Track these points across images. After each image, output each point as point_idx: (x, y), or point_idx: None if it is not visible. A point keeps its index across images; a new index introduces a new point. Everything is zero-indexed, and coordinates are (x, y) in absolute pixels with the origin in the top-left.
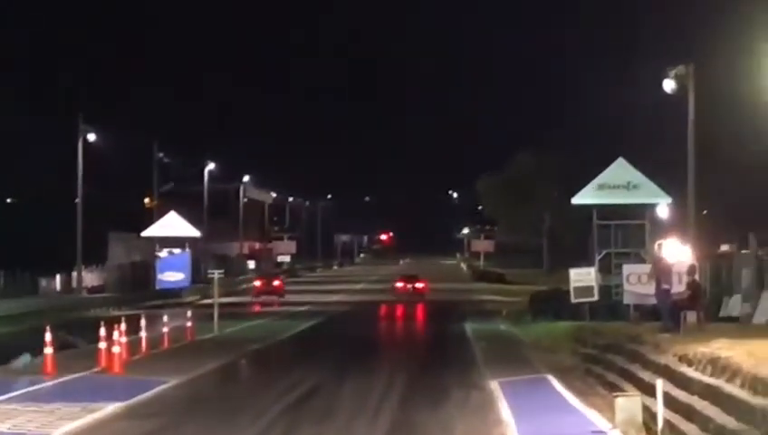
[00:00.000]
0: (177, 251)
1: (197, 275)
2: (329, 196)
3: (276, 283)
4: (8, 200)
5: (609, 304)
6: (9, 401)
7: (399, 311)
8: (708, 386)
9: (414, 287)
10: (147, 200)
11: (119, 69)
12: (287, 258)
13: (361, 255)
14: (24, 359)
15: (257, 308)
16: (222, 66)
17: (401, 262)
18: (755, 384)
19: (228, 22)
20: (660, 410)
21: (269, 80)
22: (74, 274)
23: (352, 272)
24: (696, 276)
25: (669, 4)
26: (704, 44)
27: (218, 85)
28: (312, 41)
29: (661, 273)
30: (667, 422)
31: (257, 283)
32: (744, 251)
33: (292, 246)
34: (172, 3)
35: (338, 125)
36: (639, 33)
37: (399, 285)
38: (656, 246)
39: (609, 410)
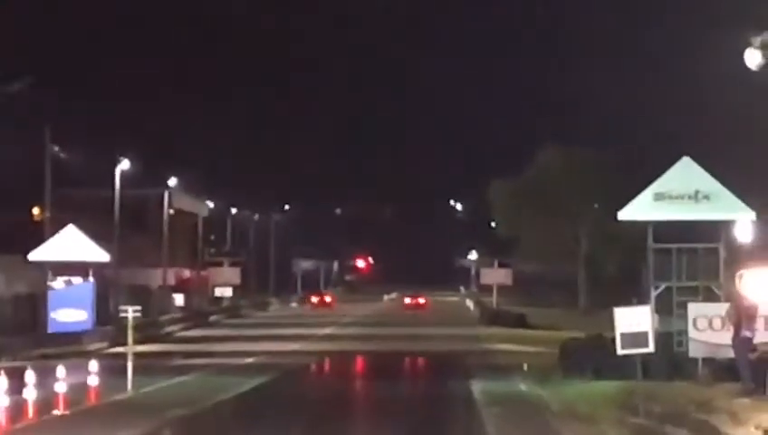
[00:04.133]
0: (77, 281)
1: (105, 314)
2: (286, 206)
3: (328, 299)
4: None
5: (670, 357)
6: None
7: (382, 365)
8: None
9: (417, 303)
10: (36, 210)
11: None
12: (228, 292)
13: (330, 288)
14: None
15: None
16: (139, 33)
17: (386, 298)
18: None
19: None
20: None
21: (198, 50)
22: None
23: (317, 312)
24: None
25: None
26: None
27: (138, 59)
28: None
29: (743, 316)
30: None
31: (314, 299)
32: None
33: (235, 274)
34: None
35: (299, 108)
36: None
37: (408, 301)
38: (736, 279)
39: None
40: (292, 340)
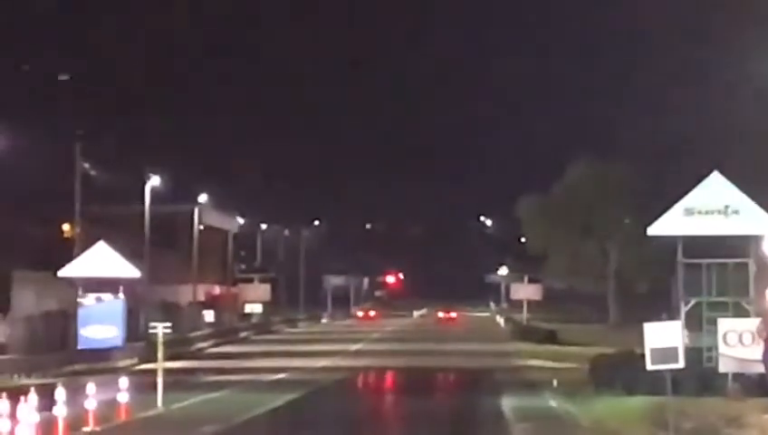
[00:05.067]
0: (107, 297)
1: (135, 331)
2: (316, 222)
3: (372, 313)
4: None
5: (700, 372)
6: None
7: (413, 381)
8: None
9: (449, 317)
10: (66, 227)
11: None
12: (258, 308)
13: (360, 304)
14: None
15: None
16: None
17: (416, 314)
18: None
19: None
20: None
21: (226, 63)
22: None
23: (347, 328)
24: None
25: None
26: None
27: (165, 74)
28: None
29: None
30: None
31: (360, 313)
32: None
33: (265, 291)
34: None
35: (328, 124)
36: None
37: (441, 315)
38: (766, 294)
39: None
40: (322, 356)
